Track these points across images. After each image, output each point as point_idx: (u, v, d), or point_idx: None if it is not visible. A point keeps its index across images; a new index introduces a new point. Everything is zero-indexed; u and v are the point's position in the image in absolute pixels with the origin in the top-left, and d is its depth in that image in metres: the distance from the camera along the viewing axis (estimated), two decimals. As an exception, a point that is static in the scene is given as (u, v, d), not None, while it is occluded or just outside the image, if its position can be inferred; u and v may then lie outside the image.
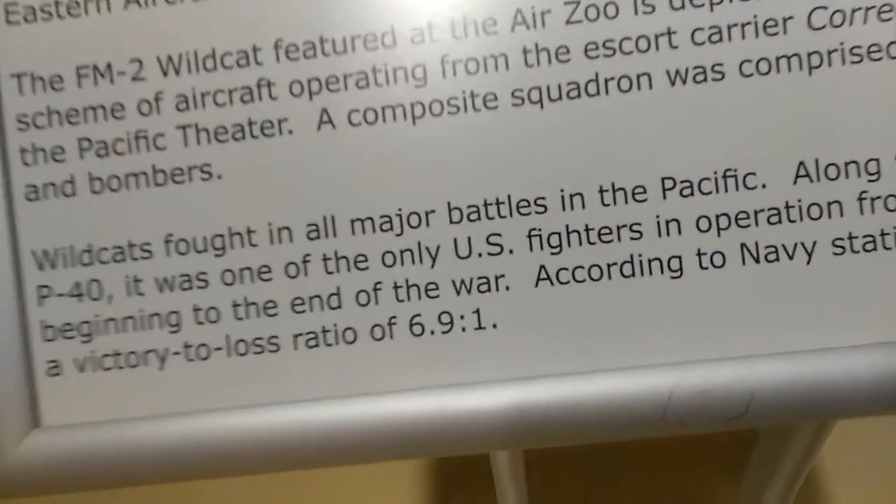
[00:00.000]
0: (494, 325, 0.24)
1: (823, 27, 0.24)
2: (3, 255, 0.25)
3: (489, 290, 0.24)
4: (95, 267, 0.25)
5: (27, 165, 0.25)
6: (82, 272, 0.25)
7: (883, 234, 0.24)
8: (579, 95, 0.24)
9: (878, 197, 0.23)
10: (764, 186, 0.24)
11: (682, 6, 0.24)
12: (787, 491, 0.34)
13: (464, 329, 0.24)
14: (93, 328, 0.25)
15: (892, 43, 0.23)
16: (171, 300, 0.25)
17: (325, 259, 0.25)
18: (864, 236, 0.24)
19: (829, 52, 0.24)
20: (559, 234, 0.24)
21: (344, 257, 0.25)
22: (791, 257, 0.24)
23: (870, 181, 0.24)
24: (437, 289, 0.24)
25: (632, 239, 0.24)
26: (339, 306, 0.25)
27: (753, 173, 0.24)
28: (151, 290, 0.25)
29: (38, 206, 0.25)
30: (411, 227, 0.24)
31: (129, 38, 0.25)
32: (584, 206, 0.24)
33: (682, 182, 0.24)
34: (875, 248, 0.24)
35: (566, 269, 0.24)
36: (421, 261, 0.24)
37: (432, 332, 0.24)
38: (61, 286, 0.25)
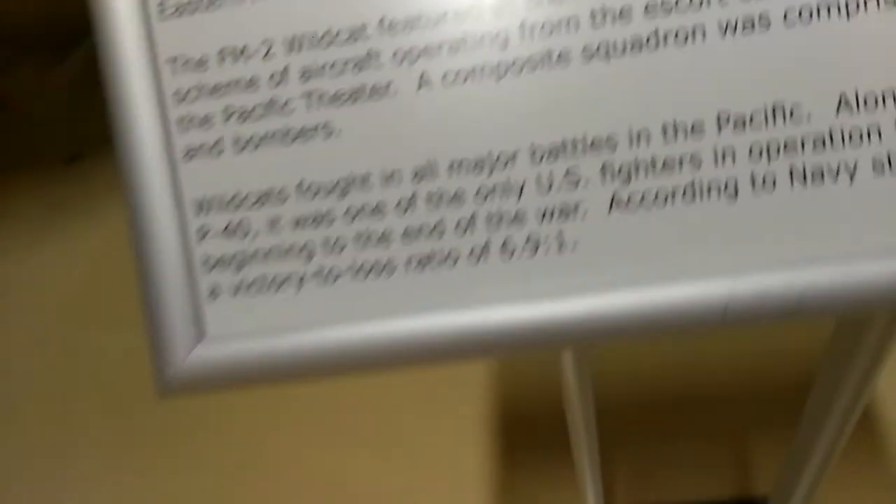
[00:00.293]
0: (574, 245, 0.29)
1: (860, -27, 0.27)
2: (169, 204, 0.30)
3: (569, 216, 0.29)
4: (242, 211, 0.30)
5: (183, 132, 0.30)
6: (232, 216, 0.30)
7: (918, 154, 0.27)
8: (641, 49, 0.28)
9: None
10: (809, 117, 0.27)
11: (732, -38, 0.27)
12: (861, 385, 0.37)
13: (548, 250, 0.29)
14: (242, 260, 0.30)
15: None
16: (304, 235, 0.30)
17: (429, 196, 0.29)
18: None
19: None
20: (628, 166, 0.28)
21: (444, 194, 0.29)
22: (836, 178, 0.27)
23: (905, 107, 0.27)
24: (524, 217, 0.29)
25: (692, 168, 0.28)
26: (442, 234, 0.29)
27: (800, 105, 0.27)
28: (288, 227, 0.30)
29: (194, 164, 0.31)
30: (500, 166, 0.29)
31: (259, 24, 0.30)
32: (648, 141, 0.28)
33: (735, 116, 0.28)
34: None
35: (635, 195, 0.28)
36: (509, 194, 0.29)
37: (521, 253, 0.29)
38: (216, 227, 0.31)
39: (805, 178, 0.27)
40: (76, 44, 2.02)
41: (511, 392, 1.17)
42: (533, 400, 1.14)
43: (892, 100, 0.27)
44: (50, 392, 1.31)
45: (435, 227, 0.29)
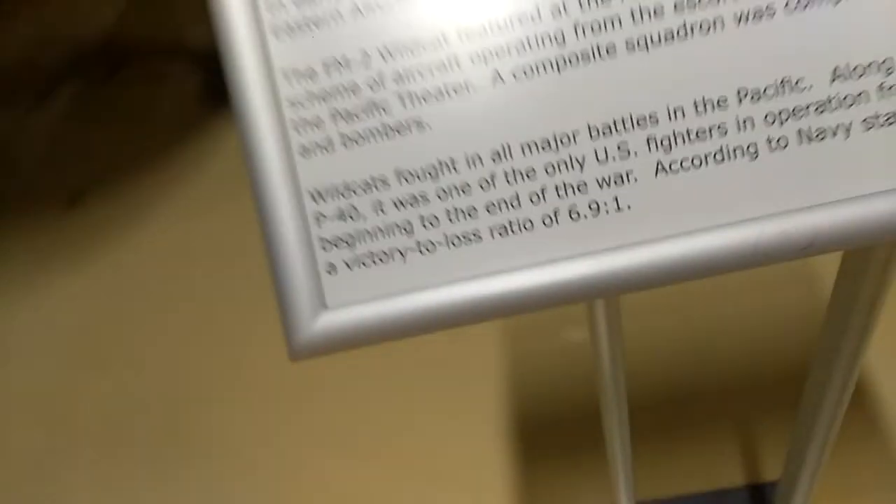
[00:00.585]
0: (629, 207, 0.35)
1: (844, -30, 0.33)
2: (289, 195, 0.36)
3: (623, 183, 0.35)
4: (351, 198, 0.37)
5: (298, 132, 0.37)
6: (342, 202, 0.37)
7: (899, 111, 0.34)
8: (673, 40, 0.35)
9: (893, 85, 0.33)
10: (810, 87, 0.34)
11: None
12: (870, 314, 0.44)
13: (607, 212, 0.35)
14: (354, 238, 0.37)
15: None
16: (404, 214, 0.36)
17: (506, 174, 0.36)
18: (885, 114, 0.34)
19: (850, -13, 0.33)
20: (668, 137, 0.35)
21: (519, 171, 0.36)
22: (835, 136, 0.34)
23: (887, 74, 0.33)
24: (586, 186, 0.35)
25: (719, 135, 0.34)
26: (519, 205, 0.36)
27: (802, 78, 0.34)
28: (390, 209, 0.36)
29: (308, 160, 0.37)
30: (564, 144, 0.35)
31: (357, 38, 0.36)
32: (684, 115, 0.35)
33: (752, 91, 0.34)
34: (894, 122, 0.34)
35: (675, 162, 0.35)
36: (572, 167, 0.35)
37: (585, 216, 0.35)
38: (330, 213, 0.37)
39: (811, 137, 0.34)
40: (55, 88, 2.05)
41: (525, 393, 1.23)
42: (546, 402, 1.20)
43: (874, 69, 0.34)
44: (47, 434, 1.36)
45: (512, 199, 0.36)
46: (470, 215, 0.36)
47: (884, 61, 0.33)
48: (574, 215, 0.36)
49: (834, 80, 0.34)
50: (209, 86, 1.94)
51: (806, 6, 0.34)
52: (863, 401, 1.08)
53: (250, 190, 0.37)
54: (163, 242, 1.58)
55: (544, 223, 0.36)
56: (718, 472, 1.06)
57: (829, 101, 0.34)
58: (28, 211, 1.71)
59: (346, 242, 0.37)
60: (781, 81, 0.34)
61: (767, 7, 0.34)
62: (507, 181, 0.36)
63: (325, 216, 0.37)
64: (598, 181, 0.35)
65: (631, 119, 0.35)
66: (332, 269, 0.37)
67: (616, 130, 0.35)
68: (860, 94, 0.34)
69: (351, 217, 0.37)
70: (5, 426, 1.37)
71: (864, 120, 0.34)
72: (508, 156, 0.36)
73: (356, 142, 0.37)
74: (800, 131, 0.34)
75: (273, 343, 1.45)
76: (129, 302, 1.49)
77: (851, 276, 0.45)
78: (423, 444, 1.20)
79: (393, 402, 1.27)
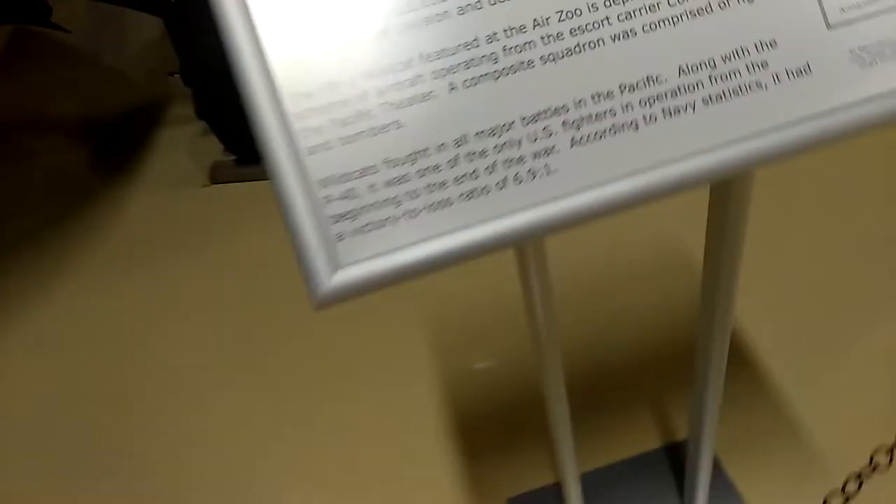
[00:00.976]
0: (556, 170, 0.49)
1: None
2: (301, 184, 0.48)
3: (549, 154, 0.49)
4: (351, 182, 0.48)
5: (305, 137, 0.48)
6: (344, 186, 0.48)
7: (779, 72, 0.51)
8: (572, 54, 0.49)
9: (719, 75, 0.50)
10: (666, 80, 0.50)
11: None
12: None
13: (541, 175, 0.49)
14: (355, 213, 0.48)
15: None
16: (392, 191, 0.48)
17: (466, 155, 0.49)
18: (716, 94, 0.50)
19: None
20: (577, 120, 0.49)
21: (475, 152, 0.49)
22: (686, 111, 0.50)
23: (713, 69, 0.50)
24: (523, 158, 0.49)
25: (611, 116, 0.49)
26: (478, 176, 0.49)
27: (661, 75, 0.50)
28: (381, 188, 0.48)
29: (315, 157, 0.48)
30: (505, 130, 0.49)
31: (345, 65, 0.48)
32: (586, 104, 0.49)
33: (629, 84, 0.49)
34: (721, 100, 0.50)
35: (584, 136, 0.49)
36: (513, 146, 0.49)
37: (526, 180, 0.49)
38: (335, 194, 0.48)
39: (671, 113, 0.50)
40: None
41: (459, 391, 1.34)
42: (480, 398, 1.32)
43: (705, 66, 0.50)
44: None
45: (472, 172, 0.49)
46: (442, 186, 0.49)
47: (709, 60, 0.50)
48: (518, 180, 0.49)
49: (681, 75, 0.50)
50: (103, 153, 1.97)
51: (657, 27, 0.50)
52: (743, 364, 1.28)
53: (272, 181, 0.48)
54: (63, 315, 1.59)
55: (497, 187, 0.49)
56: (639, 438, 1.22)
57: (679, 89, 0.50)
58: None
59: (350, 216, 0.48)
60: (647, 77, 0.50)
61: (631, 29, 0.50)
62: (468, 160, 0.49)
63: (331, 198, 0.48)
64: (532, 154, 0.49)
65: (549, 109, 0.49)
66: (340, 237, 0.48)
67: (540, 118, 0.49)
68: (698, 83, 0.50)
69: (351, 197, 0.48)
70: None
71: (703, 99, 0.50)
72: (466, 142, 0.49)
73: (350, 141, 0.49)
74: (663, 109, 0.50)
75: (204, 381, 1.49)
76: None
77: (713, 252, 0.61)
78: (366, 449, 1.28)
79: (331, 410, 1.35)
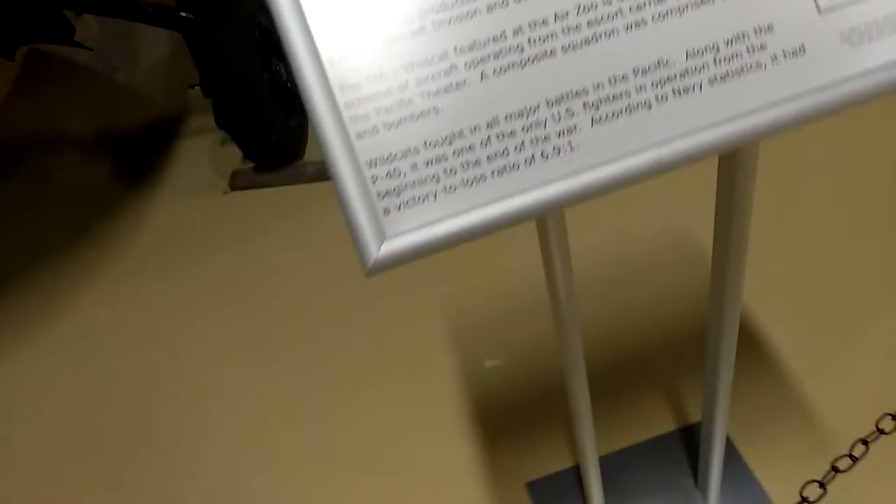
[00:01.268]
0: (578, 147, 0.55)
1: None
2: (352, 165, 0.53)
3: (572, 133, 0.55)
4: (394, 162, 0.54)
5: (353, 124, 0.54)
6: (389, 166, 0.54)
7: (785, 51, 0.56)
8: (590, 43, 0.55)
9: (723, 58, 0.55)
10: (675, 63, 0.55)
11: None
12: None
13: (565, 151, 0.55)
14: (399, 189, 0.54)
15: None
16: (432, 169, 0.54)
17: (497, 135, 0.54)
18: (721, 75, 0.55)
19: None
20: (596, 101, 0.55)
21: (505, 132, 0.54)
22: (694, 90, 0.55)
23: (717, 52, 0.55)
24: (549, 137, 0.54)
25: (626, 97, 0.55)
26: (508, 154, 0.54)
27: (670, 58, 0.55)
28: (422, 167, 0.54)
29: (363, 141, 0.54)
30: (531, 112, 0.55)
31: (387, 59, 0.54)
32: (604, 87, 0.55)
33: (642, 68, 0.55)
34: (725, 80, 0.55)
35: (603, 116, 0.55)
36: (538, 126, 0.55)
37: (551, 156, 0.54)
38: (381, 174, 0.54)
39: (680, 92, 0.55)
40: None
41: (479, 390, 1.39)
42: (501, 393, 1.37)
43: (710, 49, 0.56)
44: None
45: (503, 151, 0.54)
46: (476, 164, 0.54)
47: (713, 44, 0.56)
48: (544, 157, 0.55)
49: (688, 59, 0.56)
50: (123, 167, 2.03)
51: (665, 17, 0.56)
52: (754, 348, 1.33)
53: (325, 162, 0.53)
54: (93, 320, 1.64)
55: (526, 163, 0.55)
56: (654, 422, 1.27)
57: (687, 71, 0.55)
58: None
59: (394, 193, 0.54)
60: (657, 61, 0.55)
61: (642, 19, 0.56)
62: (498, 140, 0.55)
63: (378, 177, 0.54)
64: (556, 133, 0.55)
65: (571, 93, 0.55)
66: (387, 212, 0.54)
67: (562, 101, 0.55)
68: (704, 65, 0.55)
69: (395, 175, 0.54)
70: None
71: (708, 79, 0.55)
72: (497, 124, 0.55)
73: (393, 126, 0.54)
74: (673, 89, 0.55)
75: (222, 380, 1.54)
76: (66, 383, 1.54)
77: (722, 226, 0.67)
78: (388, 436, 1.33)
79: (353, 400, 1.40)
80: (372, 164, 0.54)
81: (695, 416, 1.27)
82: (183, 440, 1.39)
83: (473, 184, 0.55)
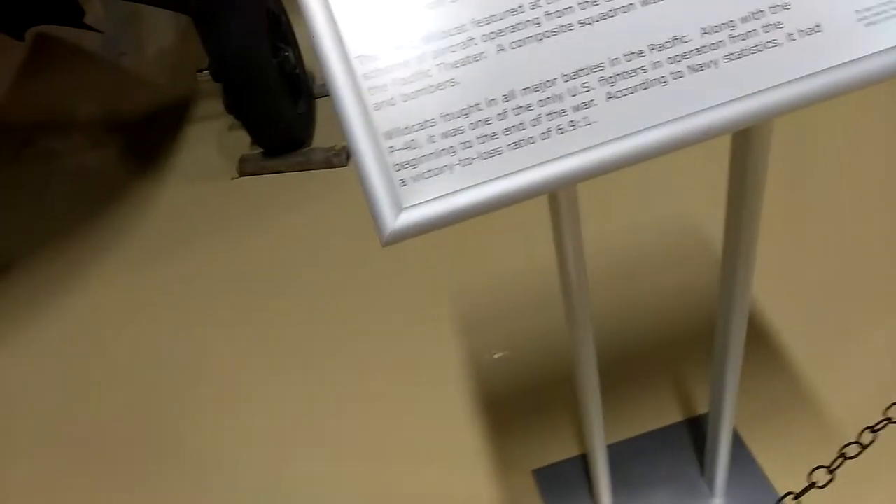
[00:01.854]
0: (594, 122, 0.55)
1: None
2: (370, 136, 0.54)
3: (588, 107, 0.55)
4: (411, 134, 0.54)
5: (372, 96, 0.54)
6: (406, 137, 0.54)
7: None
8: (606, 17, 0.56)
9: (738, 35, 0.56)
10: (691, 40, 0.56)
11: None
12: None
13: (581, 126, 0.55)
14: (416, 161, 0.54)
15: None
16: (448, 142, 0.54)
17: (514, 109, 0.55)
18: (736, 52, 0.56)
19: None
20: (612, 76, 0.55)
21: (522, 106, 0.55)
22: (709, 67, 0.56)
23: (732, 28, 0.56)
24: (565, 112, 0.55)
25: (642, 72, 0.55)
26: (524, 128, 0.55)
27: (686, 35, 0.55)
28: (439, 139, 0.54)
29: (381, 112, 0.54)
30: (548, 86, 0.55)
31: (403, 31, 0.54)
32: (620, 62, 0.55)
33: (658, 44, 0.55)
34: (742, 57, 0.56)
35: (619, 91, 0.55)
36: (555, 100, 0.55)
37: (567, 131, 0.55)
38: (398, 145, 0.54)
39: (696, 69, 0.56)
40: None
41: (487, 379, 1.40)
42: (505, 376, 1.38)
43: (726, 26, 0.56)
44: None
45: (520, 124, 0.55)
46: (493, 137, 0.55)
47: (729, 21, 0.56)
48: (560, 131, 0.55)
49: (703, 36, 0.56)
50: (132, 150, 2.03)
51: (682, -6, 0.56)
52: (762, 342, 1.33)
53: (343, 132, 0.54)
54: (102, 299, 1.65)
55: (542, 137, 0.55)
56: (660, 413, 1.27)
57: (703, 48, 0.56)
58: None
59: (411, 164, 0.55)
60: (673, 38, 0.56)
61: (659, -5, 0.56)
62: (515, 113, 0.55)
63: (395, 148, 0.55)
64: (572, 108, 0.55)
65: (587, 67, 0.55)
66: (403, 182, 0.54)
67: (579, 75, 0.55)
68: (720, 42, 0.56)
69: (412, 147, 0.55)
70: None
71: (724, 57, 0.56)
72: (513, 97, 0.55)
73: (411, 97, 0.55)
74: (689, 66, 0.56)
75: (226, 363, 1.55)
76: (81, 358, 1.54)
77: (735, 206, 0.67)
78: (397, 423, 1.34)
79: (358, 389, 1.40)
80: (389, 135, 0.55)
81: (701, 407, 1.28)
82: (189, 420, 1.40)
83: (489, 156, 0.55)
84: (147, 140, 2.05)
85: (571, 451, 1.25)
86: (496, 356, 1.40)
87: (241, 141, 1.91)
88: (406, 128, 0.55)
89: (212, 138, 1.98)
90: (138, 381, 1.48)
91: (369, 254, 1.63)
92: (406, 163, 0.55)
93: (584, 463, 1.21)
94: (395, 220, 0.54)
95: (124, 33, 2.56)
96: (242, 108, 1.77)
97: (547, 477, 1.20)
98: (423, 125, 0.55)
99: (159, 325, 1.58)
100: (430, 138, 0.55)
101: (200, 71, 1.87)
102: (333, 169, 1.85)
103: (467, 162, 0.55)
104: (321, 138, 1.92)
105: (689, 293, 1.44)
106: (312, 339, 1.50)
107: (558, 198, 0.67)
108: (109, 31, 2.51)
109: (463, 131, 0.55)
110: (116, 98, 2.28)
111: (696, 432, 1.25)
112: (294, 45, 1.94)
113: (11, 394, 1.51)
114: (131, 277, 1.68)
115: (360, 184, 0.54)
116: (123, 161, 2.04)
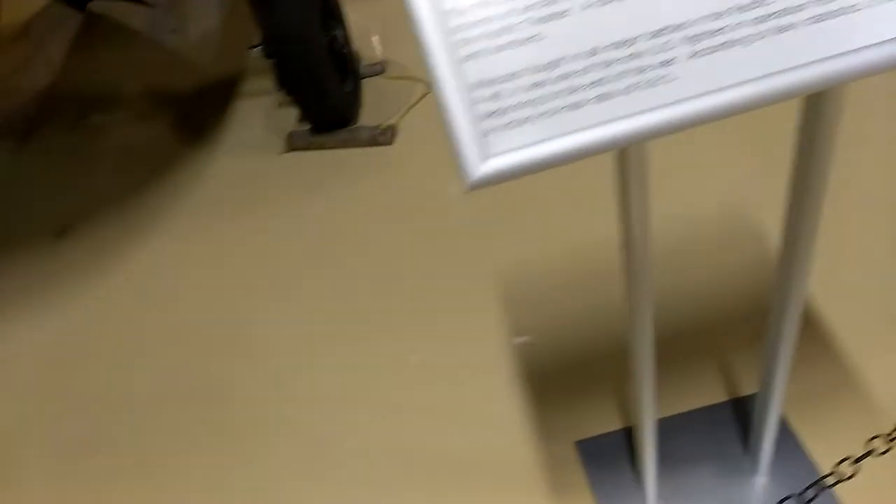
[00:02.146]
0: (677, 78, 0.56)
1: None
2: (458, 87, 0.56)
3: (672, 64, 0.56)
4: (497, 85, 0.56)
5: (461, 48, 0.56)
6: (493, 89, 0.56)
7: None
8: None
9: (821, -3, 0.57)
10: (775, 1, 0.57)
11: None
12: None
13: (664, 82, 0.56)
14: (502, 112, 0.56)
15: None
16: (533, 94, 0.56)
17: (599, 64, 0.56)
18: (817, 15, 0.56)
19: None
20: (696, 35, 0.57)
21: (607, 62, 0.56)
22: (791, 29, 0.57)
23: (816, -8, 0.57)
24: (649, 67, 0.56)
25: (726, 32, 0.56)
26: (608, 83, 0.56)
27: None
28: (524, 90, 0.56)
29: (469, 64, 0.56)
30: (632, 44, 0.56)
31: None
32: (704, 21, 0.57)
33: (743, 5, 0.57)
34: (822, 20, 0.57)
35: (702, 50, 0.57)
36: (639, 57, 0.56)
37: (652, 86, 0.56)
38: (486, 96, 0.56)
39: (781, 29, 0.57)
40: (31, 133, 2.15)
41: (531, 352, 1.42)
42: (551, 357, 1.39)
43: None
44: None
45: (604, 79, 0.56)
46: (576, 91, 0.57)
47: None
48: (642, 87, 0.57)
49: (787, -2, 0.57)
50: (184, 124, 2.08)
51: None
52: (813, 329, 1.33)
53: (431, 83, 0.56)
54: (156, 262, 1.70)
55: (624, 92, 0.57)
56: (705, 392, 1.28)
57: (787, 9, 0.57)
58: (16, 243, 1.78)
59: (497, 114, 0.56)
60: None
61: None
62: (598, 69, 0.57)
63: (482, 98, 0.56)
64: (655, 65, 0.57)
65: (671, 26, 0.57)
66: (489, 132, 0.56)
67: (663, 34, 0.57)
68: (803, 5, 0.57)
69: (499, 98, 0.56)
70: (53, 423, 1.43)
71: (807, 19, 0.57)
72: (597, 53, 0.57)
73: (498, 51, 0.57)
74: (772, 27, 0.57)
75: (272, 332, 1.60)
76: (123, 325, 1.59)
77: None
78: (442, 391, 1.37)
79: (408, 352, 1.43)
80: (476, 86, 0.57)
81: (745, 388, 1.28)
82: (240, 382, 1.44)
83: (572, 109, 0.57)
84: (196, 115, 2.09)
85: (612, 426, 1.27)
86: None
87: (289, 117, 1.94)
88: (493, 80, 0.57)
89: (260, 114, 2.02)
90: (191, 342, 1.53)
91: (414, 227, 1.68)
92: (491, 113, 0.57)
93: (626, 436, 1.23)
94: (481, 167, 0.56)
95: (173, 11, 2.61)
96: (293, 84, 1.80)
97: (590, 448, 1.22)
98: (509, 78, 0.57)
99: (209, 290, 1.62)
100: (516, 90, 0.57)
101: (252, 48, 1.90)
102: (377, 147, 1.88)
103: (550, 114, 0.57)
104: (366, 118, 1.95)
105: (739, 276, 1.44)
106: (361, 307, 1.53)
107: (629, 156, 0.68)
108: (159, 7, 2.55)
109: (547, 84, 0.57)
110: (166, 74, 2.32)
111: (740, 412, 1.25)
112: (342, 24, 1.97)
113: (73, 348, 1.56)
114: (182, 245, 1.72)
115: (447, 132, 0.56)
116: (173, 135, 2.08)
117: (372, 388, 1.40)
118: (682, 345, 1.36)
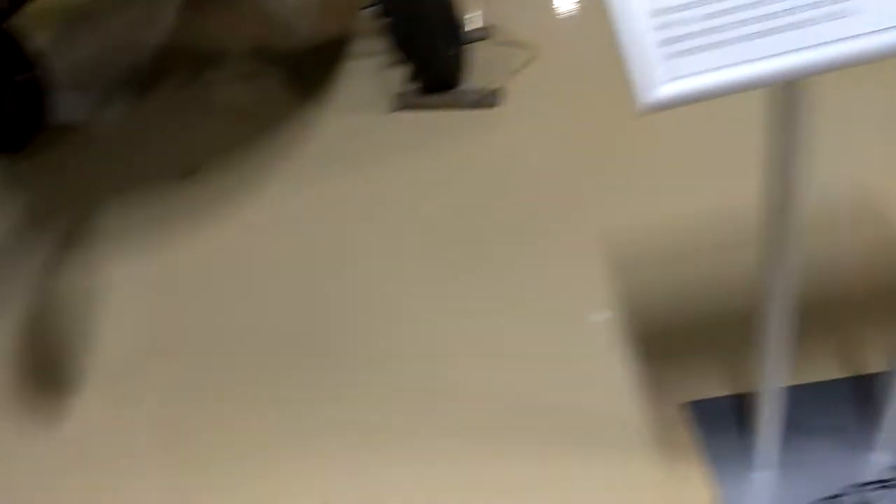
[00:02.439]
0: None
1: None
2: (638, 14, 0.57)
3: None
4: (674, 14, 0.57)
5: None
6: (669, 17, 0.58)
7: None
8: None
9: None
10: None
11: None
12: None
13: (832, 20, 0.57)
14: (677, 40, 0.58)
15: None
16: (705, 24, 0.57)
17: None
18: None
19: None
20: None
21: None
22: None
23: None
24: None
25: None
26: (777, 17, 0.57)
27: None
28: (698, 20, 0.57)
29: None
30: None
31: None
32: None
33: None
34: None
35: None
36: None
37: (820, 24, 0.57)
38: (663, 24, 0.58)
39: None
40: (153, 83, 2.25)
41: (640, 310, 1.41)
42: (662, 316, 1.39)
43: None
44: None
45: (773, 14, 0.57)
46: (753, 22, 0.58)
47: None
48: (815, 22, 0.58)
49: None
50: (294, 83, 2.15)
51: None
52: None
53: (610, 11, 0.58)
54: (273, 210, 1.78)
55: (793, 28, 0.58)
56: (828, 365, 1.27)
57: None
58: (147, 183, 1.89)
59: (674, 42, 0.58)
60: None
61: None
62: (771, 2, 0.58)
63: (660, 26, 0.58)
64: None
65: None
66: (667, 58, 0.58)
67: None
68: None
69: (679, 24, 0.58)
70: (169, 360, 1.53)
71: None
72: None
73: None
74: None
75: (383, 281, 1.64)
76: (245, 260, 1.67)
77: None
78: (547, 347, 1.40)
79: (515, 312, 1.47)
80: (656, 13, 0.59)
81: (869, 367, 1.26)
82: (347, 322, 1.52)
83: (751, 39, 0.58)
84: (307, 73, 2.16)
85: (720, 392, 1.26)
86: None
87: (396, 78, 1.98)
88: (671, 7, 0.58)
89: (367, 74, 2.07)
90: (299, 283, 1.61)
91: (517, 188, 1.72)
92: (669, 40, 0.58)
93: (736, 402, 1.22)
94: (658, 91, 0.58)
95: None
96: (405, 44, 1.84)
97: (701, 409, 1.22)
98: (689, 5, 0.58)
99: (319, 238, 1.70)
100: (696, 18, 0.58)
101: (364, 8, 1.95)
102: (481, 110, 1.91)
103: (728, 43, 0.58)
104: (471, 82, 1.98)
105: (870, 253, 1.41)
106: (463, 261, 1.58)
107: (792, 95, 0.68)
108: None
109: (726, 14, 0.58)
110: (276, 33, 2.40)
111: (859, 390, 1.23)
112: (452, -10, 2.00)
113: (194, 283, 1.65)
114: (293, 196, 1.80)
115: (624, 59, 0.58)
116: (283, 92, 2.15)
117: (477, 334, 1.44)
118: (809, 317, 1.34)
